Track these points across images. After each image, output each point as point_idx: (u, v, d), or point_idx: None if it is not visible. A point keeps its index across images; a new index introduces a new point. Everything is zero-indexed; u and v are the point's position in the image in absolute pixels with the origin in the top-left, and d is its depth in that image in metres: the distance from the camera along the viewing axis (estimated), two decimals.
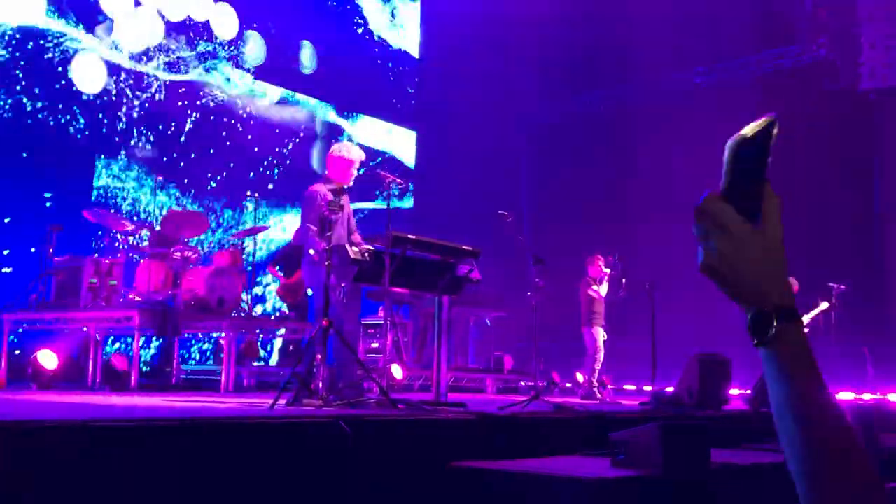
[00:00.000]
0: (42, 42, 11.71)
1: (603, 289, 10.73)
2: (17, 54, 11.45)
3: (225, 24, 14.11)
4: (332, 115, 15.97)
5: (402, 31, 17.53)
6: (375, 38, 16.90)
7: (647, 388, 9.71)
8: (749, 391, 9.37)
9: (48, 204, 11.04)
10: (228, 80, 14.15)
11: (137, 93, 12.79)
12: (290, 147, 14.91)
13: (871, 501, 1.08)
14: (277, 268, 11.22)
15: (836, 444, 1.09)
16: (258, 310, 13.02)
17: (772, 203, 1.17)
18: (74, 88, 11.99)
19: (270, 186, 14.36)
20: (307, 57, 15.43)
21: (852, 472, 1.09)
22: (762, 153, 1.14)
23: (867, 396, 11.83)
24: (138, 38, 12.82)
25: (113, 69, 12.51)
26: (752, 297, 1.16)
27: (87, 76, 12.13)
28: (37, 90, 11.59)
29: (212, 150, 13.77)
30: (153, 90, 13.04)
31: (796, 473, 1.11)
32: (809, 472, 1.10)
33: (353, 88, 16.12)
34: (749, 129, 1.14)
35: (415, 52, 17.83)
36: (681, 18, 15.66)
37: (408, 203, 16.88)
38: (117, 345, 11.06)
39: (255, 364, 11.46)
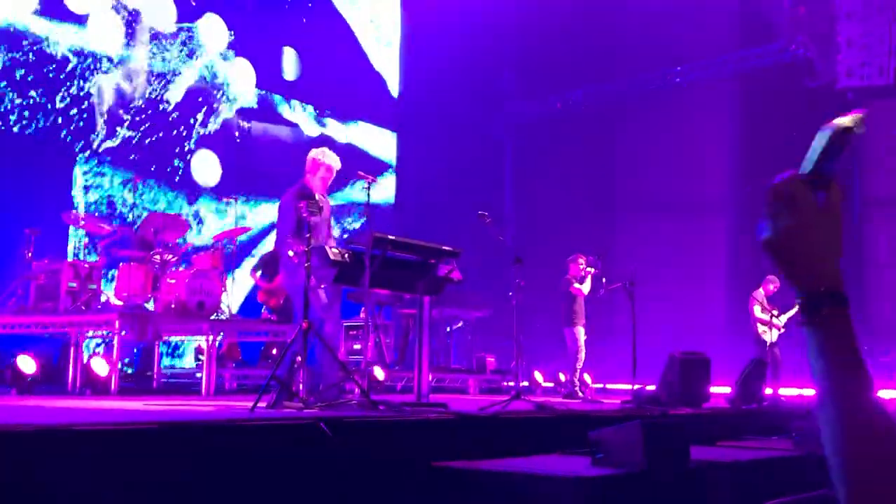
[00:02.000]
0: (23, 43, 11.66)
1: (584, 288, 10.76)
2: None
3: (214, 32, 14.14)
4: (312, 118, 15.93)
5: (382, 31, 17.51)
6: (355, 40, 16.87)
7: (629, 386, 9.73)
8: (730, 389, 9.41)
9: (26, 207, 10.95)
10: (210, 80, 14.12)
11: (114, 92, 12.74)
12: (268, 149, 14.87)
13: None
14: (259, 274, 11.17)
15: (873, 426, 1.13)
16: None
17: (836, 194, 1.21)
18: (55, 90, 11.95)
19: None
20: (288, 62, 15.40)
21: (888, 453, 1.11)
22: (846, 143, 1.19)
23: None
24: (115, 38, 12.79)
25: (94, 71, 12.47)
26: (808, 278, 1.20)
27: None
28: (14, 92, 11.54)
29: (192, 152, 13.72)
30: (134, 92, 12.99)
31: (832, 451, 1.14)
32: (846, 451, 1.13)
33: (333, 90, 16.08)
34: (847, 121, 1.20)
35: (395, 52, 17.81)
36: (662, 17, 15.73)
37: (387, 194, 16.87)
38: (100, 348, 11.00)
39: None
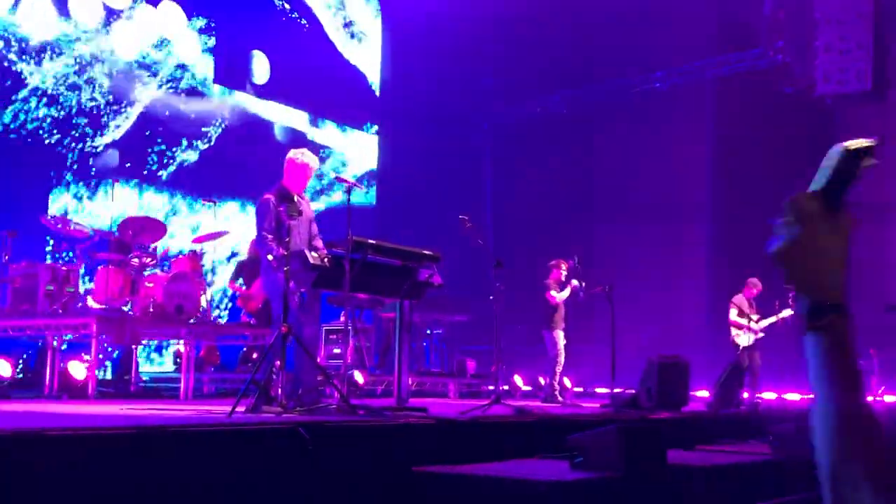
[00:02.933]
0: None
1: (564, 293, 10.78)
2: None
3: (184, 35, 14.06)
4: (292, 120, 15.90)
5: (362, 34, 17.49)
6: (334, 43, 16.85)
7: (608, 390, 9.76)
8: (708, 394, 9.46)
9: (2, 210, 10.87)
10: (183, 82, 14.07)
11: (93, 94, 12.68)
12: (247, 150, 14.81)
13: (882, 476, 1.19)
14: (238, 282, 11.11)
15: (861, 426, 1.22)
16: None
17: (848, 222, 1.32)
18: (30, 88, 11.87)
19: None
20: (264, 63, 15.35)
21: (872, 449, 1.21)
22: (858, 167, 1.28)
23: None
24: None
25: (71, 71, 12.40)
26: (814, 288, 1.29)
27: None
28: None
29: (170, 154, 13.67)
30: (110, 93, 12.92)
31: (823, 452, 1.22)
32: (836, 445, 1.22)
33: (313, 93, 16.05)
34: (858, 144, 1.28)
35: (376, 54, 17.80)
36: (642, 21, 15.77)
37: (369, 198, 16.85)
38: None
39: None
